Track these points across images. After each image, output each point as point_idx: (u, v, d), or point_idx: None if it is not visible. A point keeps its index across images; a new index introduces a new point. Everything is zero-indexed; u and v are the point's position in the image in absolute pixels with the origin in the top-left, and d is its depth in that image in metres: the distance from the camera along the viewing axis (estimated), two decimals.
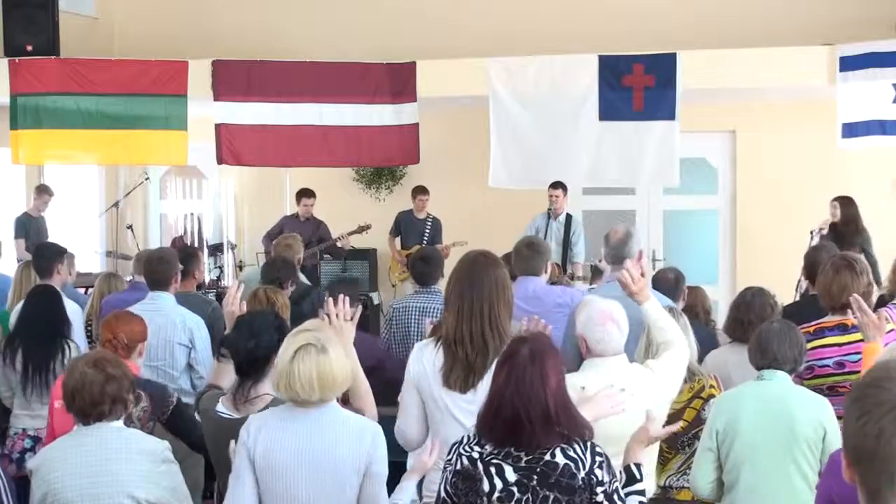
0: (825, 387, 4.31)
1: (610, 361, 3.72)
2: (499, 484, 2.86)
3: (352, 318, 3.79)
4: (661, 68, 9.37)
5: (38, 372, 5.18)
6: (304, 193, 10.22)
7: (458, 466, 2.93)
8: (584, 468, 2.85)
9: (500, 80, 9.68)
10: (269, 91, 9.85)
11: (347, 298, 3.83)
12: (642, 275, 4.02)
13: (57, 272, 6.06)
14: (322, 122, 9.93)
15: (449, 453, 3.01)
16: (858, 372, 4.30)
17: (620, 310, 3.79)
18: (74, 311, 5.73)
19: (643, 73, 9.44)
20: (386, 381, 4.66)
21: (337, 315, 3.75)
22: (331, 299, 3.79)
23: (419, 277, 5.97)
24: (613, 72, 9.49)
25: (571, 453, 2.86)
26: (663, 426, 3.55)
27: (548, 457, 2.86)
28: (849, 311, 4.35)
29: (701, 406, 4.30)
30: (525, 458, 2.86)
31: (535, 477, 2.85)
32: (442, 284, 5.60)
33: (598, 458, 2.88)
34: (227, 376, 3.83)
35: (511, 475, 2.86)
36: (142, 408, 4.11)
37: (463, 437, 3.00)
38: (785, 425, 3.75)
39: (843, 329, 4.45)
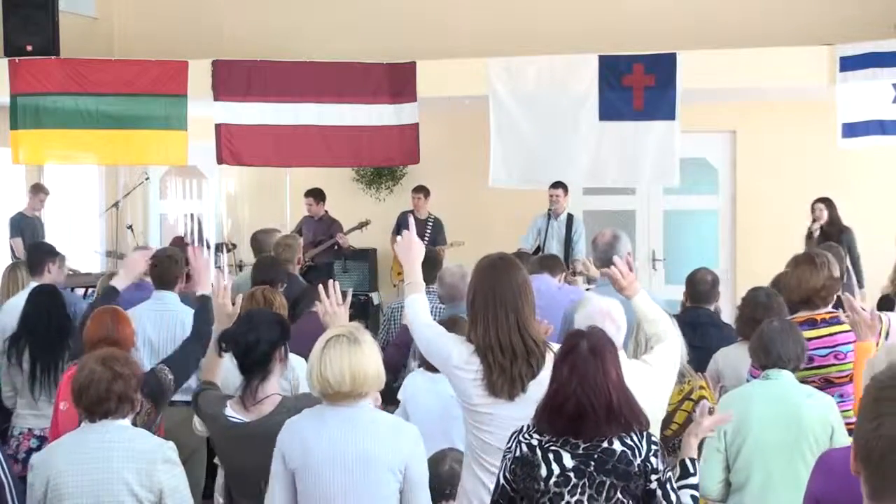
0: None
1: None
2: (556, 469, 2.93)
3: (342, 303, 3.83)
4: (661, 68, 9.36)
5: (46, 372, 5.18)
6: (306, 193, 10.23)
7: (518, 453, 3.00)
8: (640, 455, 2.94)
9: (500, 80, 9.68)
10: (269, 91, 9.84)
11: (337, 284, 3.89)
12: (630, 269, 4.03)
13: (48, 271, 6.07)
14: (322, 122, 9.91)
15: (508, 441, 3.06)
16: (827, 367, 4.38)
17: (619, 308, 3.81)
18: None
19: (643, 73, 9.43)
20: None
21: (329, 301, 3.80)
22: (321, 287, 3.83)
23: None
24: (613, 72, 9.48)
25: (629, 441, 2.95)
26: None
27: (605, 444, 2.94)
28: (839, 309, 4.35)
29: (692, 408, 4.26)
30: (583, 446, 2.94)
31: (593, 463, 2.93)
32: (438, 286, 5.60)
33: (653, 447, 2.97)
34: (220, 370, 3.83)
35: (569, 461, 2.94)
36: (146, 411, 4.03)
37: (522, 427, 3.06)
38: (794, 425, 3.75)
39: (812, 324, 4.47)
